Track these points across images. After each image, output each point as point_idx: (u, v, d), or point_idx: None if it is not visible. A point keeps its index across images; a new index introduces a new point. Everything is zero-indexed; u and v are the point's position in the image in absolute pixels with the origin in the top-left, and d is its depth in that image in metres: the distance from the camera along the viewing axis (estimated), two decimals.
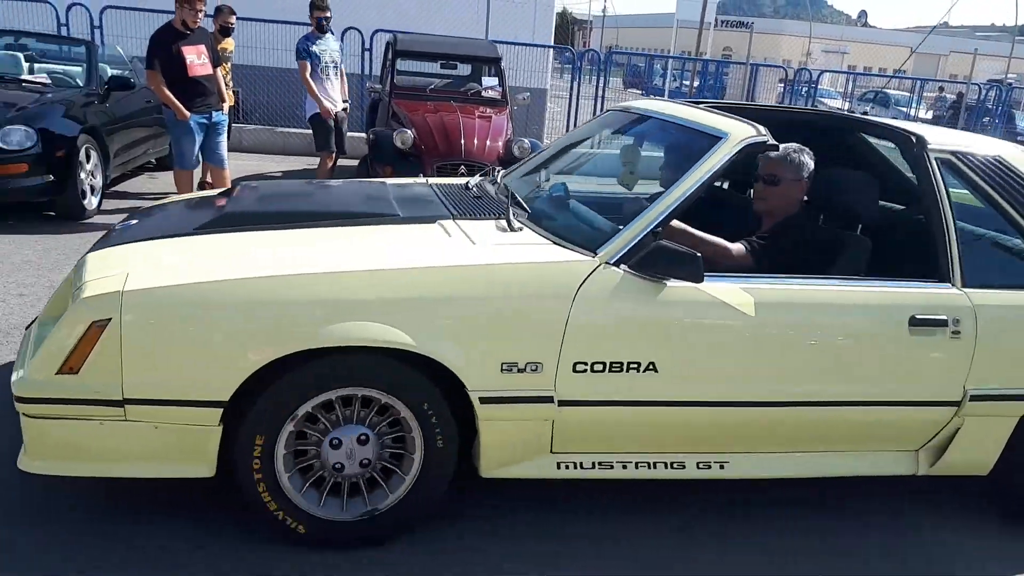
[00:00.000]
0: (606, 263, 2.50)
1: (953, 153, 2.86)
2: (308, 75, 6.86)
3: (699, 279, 2.47)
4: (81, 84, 6.76)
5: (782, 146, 3.00)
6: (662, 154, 3.36)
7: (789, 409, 2.70)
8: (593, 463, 2.66)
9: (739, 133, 2.69)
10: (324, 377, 2.36)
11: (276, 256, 2.52)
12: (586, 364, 2.48)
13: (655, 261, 2.47)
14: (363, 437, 2.45)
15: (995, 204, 2.87)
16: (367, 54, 10.79)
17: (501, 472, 2.59)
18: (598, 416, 2.57)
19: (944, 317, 2.68)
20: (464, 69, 8.75)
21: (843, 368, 2.68)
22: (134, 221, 3.10)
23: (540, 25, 13.54)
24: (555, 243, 2.63)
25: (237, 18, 7.48)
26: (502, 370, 2.42)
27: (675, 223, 2.79)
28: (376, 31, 10.68)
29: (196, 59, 5.74)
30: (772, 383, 2.65)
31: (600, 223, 2.78)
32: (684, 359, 2.57)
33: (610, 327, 2.50)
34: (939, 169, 2.81)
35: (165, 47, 5.64)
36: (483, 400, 2.43)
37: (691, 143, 2.81)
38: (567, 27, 49.73)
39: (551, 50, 14.16)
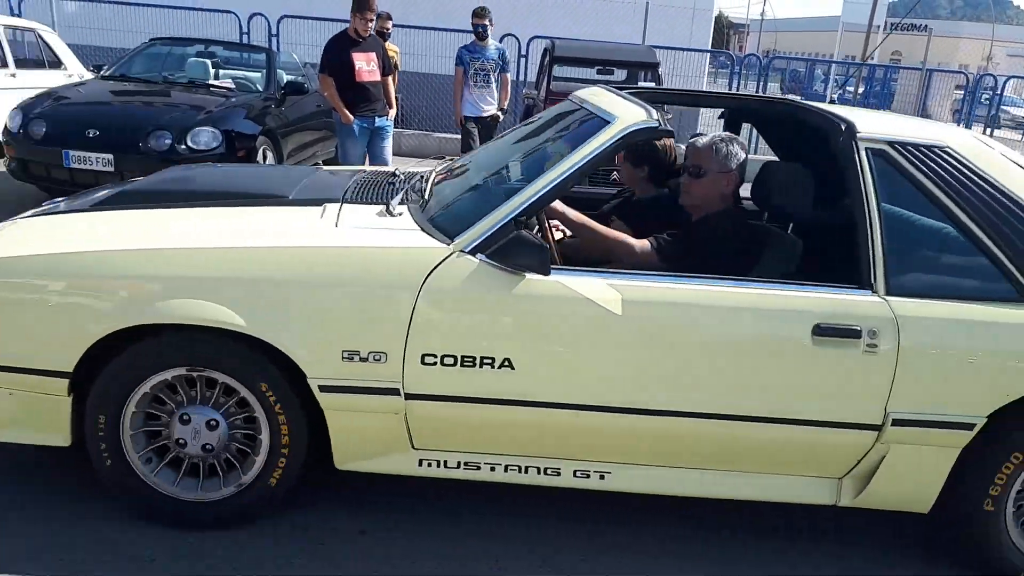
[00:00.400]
0: (461, 251, 2.34)
1: (890, 143, 2.48)
2: (458, 82, 7.05)
3: (544, 272, 2.30)
4: (260, 89, 7.24)
5: (710, 135, 2.80)
6: None
7: (670, 419, 2.41)
8: (459, 463, 2.51)
9: (627, 118, 2.47)
10: (164, 355, 2.33)
11: (137, 232, 2.51)
12: (436, 357, 2.33)
13: (508, 251, 2.29)
14: (213, 422, 2.41)
15: (937, 202, 2.45)
16: (523, 60, 10.93)
17: (358, 465, 2.49)
18: (453, 413, 2.42)
19: (857, 327, 2.33)
20: (620, 74, 8.68)
21: (732, 379, 2.39)
22: (65, 200, 3.09)
23: (698, 30, 13.26)
24: (422, 229, 2.48)
25: (404, 26, 7.74)
26: (343, 358, 2.30)
27: (575, 216, 2.66)
28: (533, 38, 10.80)
29: (365, 65, 5.98)
30: (646, 389, 2.39)
31: (471, 210, 2.53)
32: (543, 357, 2.37)
33: (462, 319, 2.35)
34: (869, 161, 2.45)
35: (337, 53, 5.93)
36: (323, 388, 2.33)
37: (589, 130, 2.57)
38: (722, 31, 48.51)
39: (707, 55, 13.82)
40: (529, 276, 2.32)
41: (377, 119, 6.18)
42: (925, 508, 2.54)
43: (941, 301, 2.39)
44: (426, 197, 2.78)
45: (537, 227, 2.67)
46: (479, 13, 7.03)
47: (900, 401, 2.37)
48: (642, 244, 2.69)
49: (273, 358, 2.32)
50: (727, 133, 2.89)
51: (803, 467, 2.53)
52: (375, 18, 6.00)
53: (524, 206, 2.37)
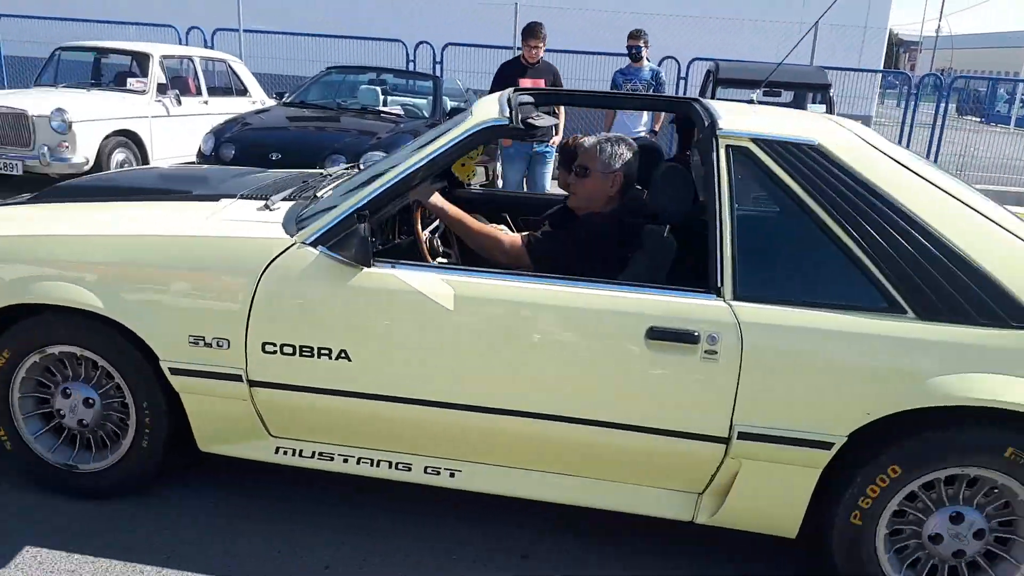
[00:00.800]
0: (302, 243, 2.41)
1: (753, 140, 2.30)
2: None
3: (366, 263, 2.33)
4: (426, 115, 7.50)
5: (597, 136, 2.78)
6: None
7: (505, 419, 2.35)
8: (313, 452, 2.56)
9: (480, 115, 2.48)
10: (48, 332, 2.54)
11: (37, 220, 2.75)
12: (275, 345, 2.40)
13: (342, 244, 2.34)
14: (90, 400, 2.60)
15: (800, 203, 2.25)
16: (682, 82, 10.75)
17: (219, 449, 2.60)
18: (296, 402, 2.47)
19: (693, 331, 2.20)
20: (786, 96, 8.34)
21: (567, 381, 2.31)
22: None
23: (869, 49, 12.59)
24: (282, 224, 2.56)
25: (556, 51, 7.76)
26: (190, 343, 2.42)
27: (453, 212, 2.67)
28: (693, 59, 10.61)
29: None
30: (478, 386, 2.36)
31: (326, 206, 2.55)
32: (378, 350, 2.38)
33: (299, 309, 2.39)
34: (728, 159, 2.30)
35: (506, 78, 6.05)
36: (173, 371, 2.46)
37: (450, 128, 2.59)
38: (891, 49, 45.88)
39: (879, 75, 13.07)
40: (369, 269, 2.36)
41: (537, 145, 6.22)
42: (791, 532, 2.35)
43: (796, 308, 2.20)
44: (316, 196, 2.83)
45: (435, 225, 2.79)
46: (634, 35, 6.97)
47: (747, 413, 2.21)
48: (512, 241, 2.67)
49: (135, 342, 2.47)
50: (616, 134, 2.86)
51: (658, 479, 2.41)
52: (539, 45, 6.07)
53: (365, 200, 2.41)
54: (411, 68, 10.87)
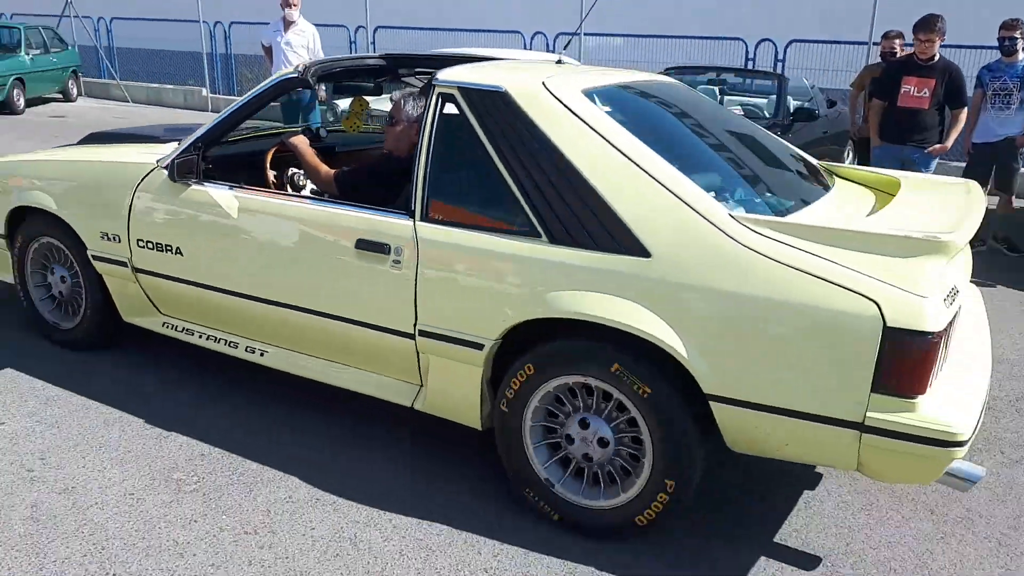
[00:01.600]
0: (160, 167, 3.29)
1: (459, 87, 2.69)
2: (975, 106, 6.06)
3: (188, 182, 3.19)
4: (768, 115, 7.02)
5: (403, 91, 3.55)
6: None
7: (269, 307, 3.05)
8: (187, 329, 3.43)
9: (284, 72, 3.25)
10: (31, 229, 3.80)
11: (50, 154, 3.99)
12: (143, 241, 3.33)
13: (176, 167, 3.16)
14: (63, 278, 3.84)
15: (479, 142, 2.61)
16: None
17: (135, 321, 3.61)
18: (160, 285, 3.38)
19: (386, 243, 2.71)
20: None
21: (307, 279, 2.93)
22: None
23: None
24: (169, 155, 3.32)
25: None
26: (101, 237, 3.46)
27: (303, 149, 3.32)
28: None
29: (913, 91, 5.53)
30: (251, 279, 3.07)
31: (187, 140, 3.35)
32: (195, 247, 3.20)
33: (153, 214, 3.29)
34: (436, 104, 2.71)
35: (891, 77, 5.67)
36: (94, 258, 3.52)
37: None
38: None
39: None
40: (193, 186, 3.19)
41: (908, 148, 5.57)
42: (476, 423, 2.73)
43: (464, 230, 2.60)
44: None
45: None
46: (1008, 25, 5.87)
47: (426, 315, 2.67)
48: (327, 173, 3.22)
49: (73, 235, 3.57)
50: (417, 90, 3.52)
51: (380, 366, 2.93)
52: (934, 39, 5.41)
53: (199, 135, 3.25)
54: (751, 67, 10.34)
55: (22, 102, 13.23)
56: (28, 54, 13.63)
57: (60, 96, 15.30)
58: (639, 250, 2.32)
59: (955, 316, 2.30)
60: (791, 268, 2.17)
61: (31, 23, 14.86)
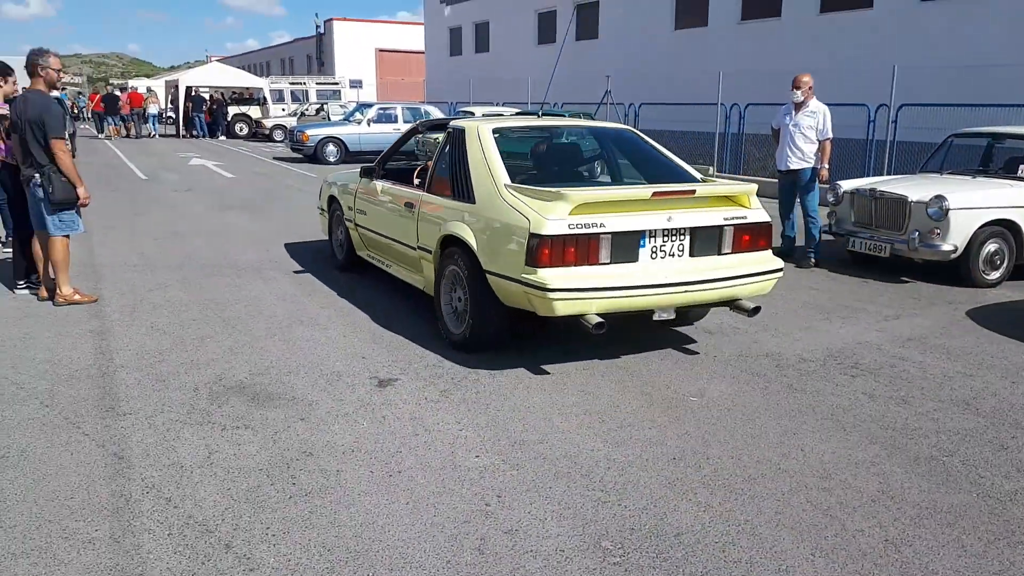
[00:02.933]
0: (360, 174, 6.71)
1: (452, 127, 5.61)
2: None
3: None
4: None
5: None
6: None
7: (389, 240, 6.20)
8: (371, 256, 6.71)
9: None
10: None
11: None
12: (354, 208, 6.76)
13: (361, 173, 6.64)
14: None
15: (448, 155, 5.51)
16: None
17: (360, 254, 6.87)
18: (361, 232, 6.72)
19: (413, 203, 5.68)
20: None
21: (394, 222, 6.03)
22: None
23: None
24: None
25: None
26: (347, 207, 6.95)
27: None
28: None
29: None
30: (383, 224, 6.27)
31: None
32: (369, 209, 6.50)
33: (357, 195, 6.71)
34: (445, 137, 5.67)
35: None
36: (343, 217, 7.06)
37: None
38: None
39: None
40: (371, 180, 6.41)
41: None
42: (432, 292, 5.58)
43: (437, 196, 5.42)
44: None
45: None
46: None
47: (419, 238, 5.57)
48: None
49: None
50: None
51: (415, 268, 5.80)
52: None
53: (379, 158, 6.64)
54: None
55: None
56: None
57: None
58: (473, 201, 4.90)
59: (595, 234, 4.33)
60: (510, 207, 4.54)
61: (574, 110, 17.26)
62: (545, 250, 4.22)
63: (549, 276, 4.22)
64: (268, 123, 26.78)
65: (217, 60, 74.77)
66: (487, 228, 4.64)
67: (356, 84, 39.68)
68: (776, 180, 8.71)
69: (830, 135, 7.87)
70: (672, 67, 20.81)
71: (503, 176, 4.77)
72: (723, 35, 20.25)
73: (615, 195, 4.53)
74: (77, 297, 5.91)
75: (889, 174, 12.52)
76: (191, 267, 7.38)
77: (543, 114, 6.95)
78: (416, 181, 5.95)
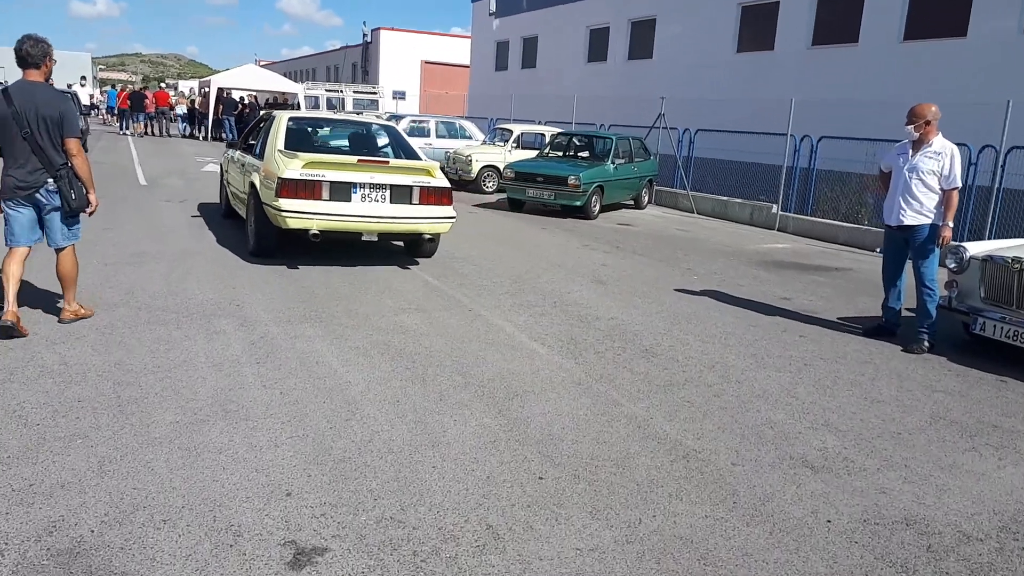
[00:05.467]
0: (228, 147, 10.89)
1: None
2: None
3: None
4: None
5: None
6: None
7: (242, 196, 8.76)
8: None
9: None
10: None
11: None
12: (226, 172, 9.88)
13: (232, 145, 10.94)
14: None
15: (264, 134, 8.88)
16: None
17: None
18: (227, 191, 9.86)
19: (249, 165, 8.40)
20: None
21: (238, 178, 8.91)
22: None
23: None
24: None
25: None
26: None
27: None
28: None
29: None
30: (237, 184, 8.92)
31: None
32: (229, 173, 9.72)
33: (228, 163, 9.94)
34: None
35: None
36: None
37: None
38: None
39: None
40: (228, 150, 10.31)
41: None
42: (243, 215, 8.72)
43: (245, 154, 8.88)
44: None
45: None
46: None
47: (244, 186, 8.43)
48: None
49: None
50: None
51: (244, 209, 8.51)
52: None
53: (238, 137, 12.13)
54: None
55: (597, 208, 13.62)
56: (614, 163, 14.10)
57: (632, 203, 15.64)
58: (262, 159, 7.84)
59: (317, 180, 7.18)
60: (275, 161, 7.43)
61: (623, 134, 15.54)
62: (284, 188, 7.10)
63: (284, 204, 7.11)
64: None
65: (264, 64, 74.78)
66: (264, 175, 7.54)
67: (400, 95, 38.49)
68: (870, 231, 6.86)
69: (958, 183, 6.06)
70: (733, 92, 19.01)
71: (280, 144, 7.80)
72: (791, 60, 18.40)
73: (333, 159, 7.46)
74: (83, 311, 5.43)
75: (993, 227, 10.57)
76: (127, 307, 5.80)
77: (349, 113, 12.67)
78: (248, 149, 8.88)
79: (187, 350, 4.92)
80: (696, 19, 21.21)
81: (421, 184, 7.57)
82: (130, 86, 33.82)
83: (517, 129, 17.74)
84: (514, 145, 17.13)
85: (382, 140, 9.16)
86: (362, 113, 25.23)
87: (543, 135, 17.58)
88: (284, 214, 7.08)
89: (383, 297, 6.70)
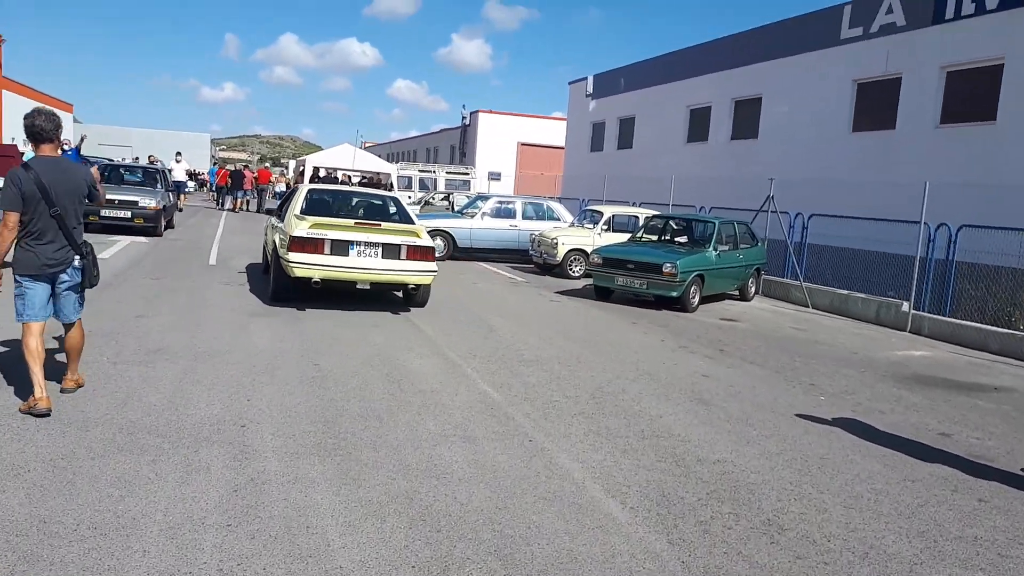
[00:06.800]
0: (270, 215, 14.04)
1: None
2: None
3: None
4: None
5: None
6: None
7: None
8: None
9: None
10: None
11: None
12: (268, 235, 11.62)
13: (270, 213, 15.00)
14: None
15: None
16: None
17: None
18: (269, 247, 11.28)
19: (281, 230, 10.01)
20: None
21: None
22: None
23: None
24: None
25: None
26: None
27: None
28: None
29: None
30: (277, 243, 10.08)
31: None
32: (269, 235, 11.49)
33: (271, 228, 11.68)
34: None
35: None
36: None
37: None
38: None
39: None
40: (271, 218, 12.52)
41: None
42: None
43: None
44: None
45: None
46: None
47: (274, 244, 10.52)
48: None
49: None
50: None
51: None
52: None
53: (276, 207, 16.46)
54: None
55: (696, 299, 12.07)
56: (716, 249, 12.59)
57: (736, 294, 14.00)
58: (283, 221, 9.77)
59: (321, 239, 8.95)
60: (291, 223, 9.19)
61: (727, 217, 14.05)
62: (293, 244, 8.85)
63: (292, 256, 8.85)
64: None
65: (369, 145, 77.07)
66: (282, 234, 9.38)
67: (495, 176, 38.19)
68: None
69: None
70: (848, 173, 17.27)
71: (297, 209, 9.69)
72: (916, 140, 16.56)
73: (335, 222, 9.28)
74: (82, 380, 5.38)
75: None
76: (106, 426, 4.68)
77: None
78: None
79: (146, 500, 3.71)
80: (806, 97, 19.70)
81: (408, 243, 9.21)
82: (228, 165, 34.75)
83: (608, 211, 16.50)
84: (605, 228, 15.87)
85: (388, 208, 10.72)
86: (452, 194, 24.82)
87: (636, 217, 16.26)
88: (292, 265, 8.84)
89: (425, 416, 5.39)
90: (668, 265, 11.61)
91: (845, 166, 17.82)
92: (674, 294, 11.70)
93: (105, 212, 14.99)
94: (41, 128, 4.80)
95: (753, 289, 14.30)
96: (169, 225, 18.45)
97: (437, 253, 17.56)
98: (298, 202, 9.89)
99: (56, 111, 5.10)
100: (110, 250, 13.37)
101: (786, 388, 7.25)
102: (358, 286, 9.31)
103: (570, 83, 34.09)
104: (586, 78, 31.94)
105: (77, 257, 4.95)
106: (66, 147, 20.53)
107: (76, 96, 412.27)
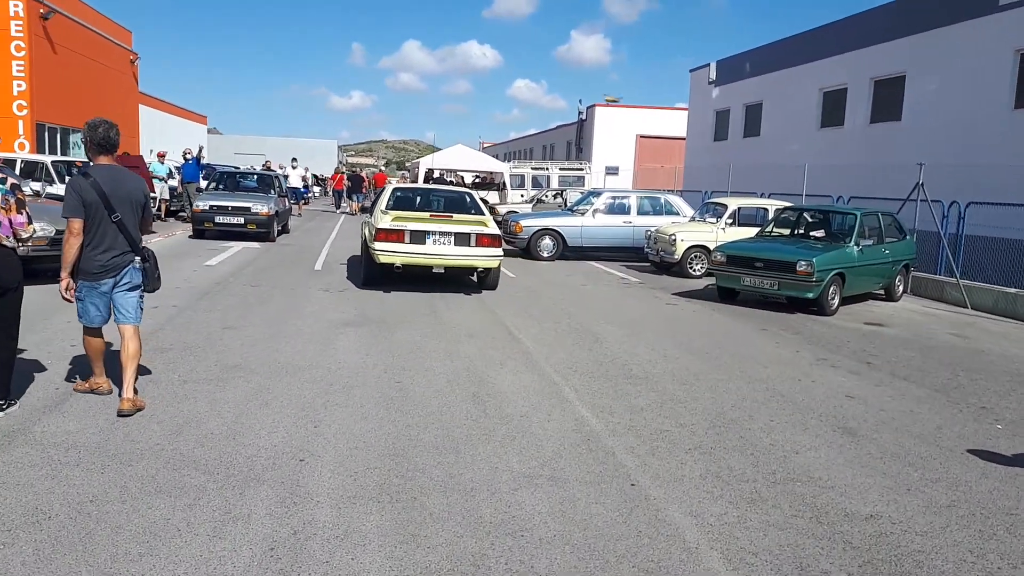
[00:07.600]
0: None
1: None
2: None
3: None
4: None
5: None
6: None
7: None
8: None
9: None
10: None
11: None
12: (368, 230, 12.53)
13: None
14: None
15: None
16: None
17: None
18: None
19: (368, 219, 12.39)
20: None
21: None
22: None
23: None
24: None
25: None
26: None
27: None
28: None
29: None
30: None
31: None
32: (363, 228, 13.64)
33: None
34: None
35: None
36: None
37: None
38: None
39: None
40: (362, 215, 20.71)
41: None
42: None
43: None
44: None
45: None
46: None
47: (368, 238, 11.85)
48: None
49: None
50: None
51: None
52: None
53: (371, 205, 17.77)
54: None
55: (836, 301, 10.73)
56: (858, 244, 11.18)
57: (882, 294, 12.48)
58: (371, 216, 11.74)
59: (401, 230, 10.41)
60: (379, 217, 10.82)
61: (869, 208, 12.54)
62: (379, 235, 10.27)
63: (378, 246, 10.26)
64: (502, 209, 24.49)
65: (487, 145, 77.28)
66: (371, 228, 10.82)
67: (612, 171, 37.06)
68: None
69: None
70: (1012, 156, 15.21)
71: (383, 205, 11.48)
72: None
73: (414, 215, 11.02)
74: (140, 402, 5.05)
75: None
76: (149, 460, 4.19)
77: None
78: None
79: (167, 559, 3.13)
80: (957, 72, 17.60)
81: (477, 232, 10.49)
82: (343, 170, 35.44)
83: (733, 203, 15.21)
84: (729, 222, 14.62)
85: (464, 201, 12.14)
86: (564, 191, 24.12)
87: (765, 210, 14.91)
88: (378, 252, 10.31)
89: (509, 449, 4.62)
90: (803, 263, 10.35)
91: (1006, 148, 15.73)
92: (810, 295, 10.43)
93: (219, 219, 15.17)
94: (112, 140, 4.95)
95: (901, 288, 12.72)
96: (284, 230, 18.60)
97: (546, 253, 17.25)
98: (384, 200, 11.84)
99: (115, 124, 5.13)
100: (218, 256, 13.38)
101: (951, 413, 6.02)
102: (434, 270, 10.76)
103: (691, 71, 32.55)
104: (708, 65, 30.34)
105: (138, 258, 5.05)
106: (188, 156, 21.17)
107: (211, 108, 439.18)
